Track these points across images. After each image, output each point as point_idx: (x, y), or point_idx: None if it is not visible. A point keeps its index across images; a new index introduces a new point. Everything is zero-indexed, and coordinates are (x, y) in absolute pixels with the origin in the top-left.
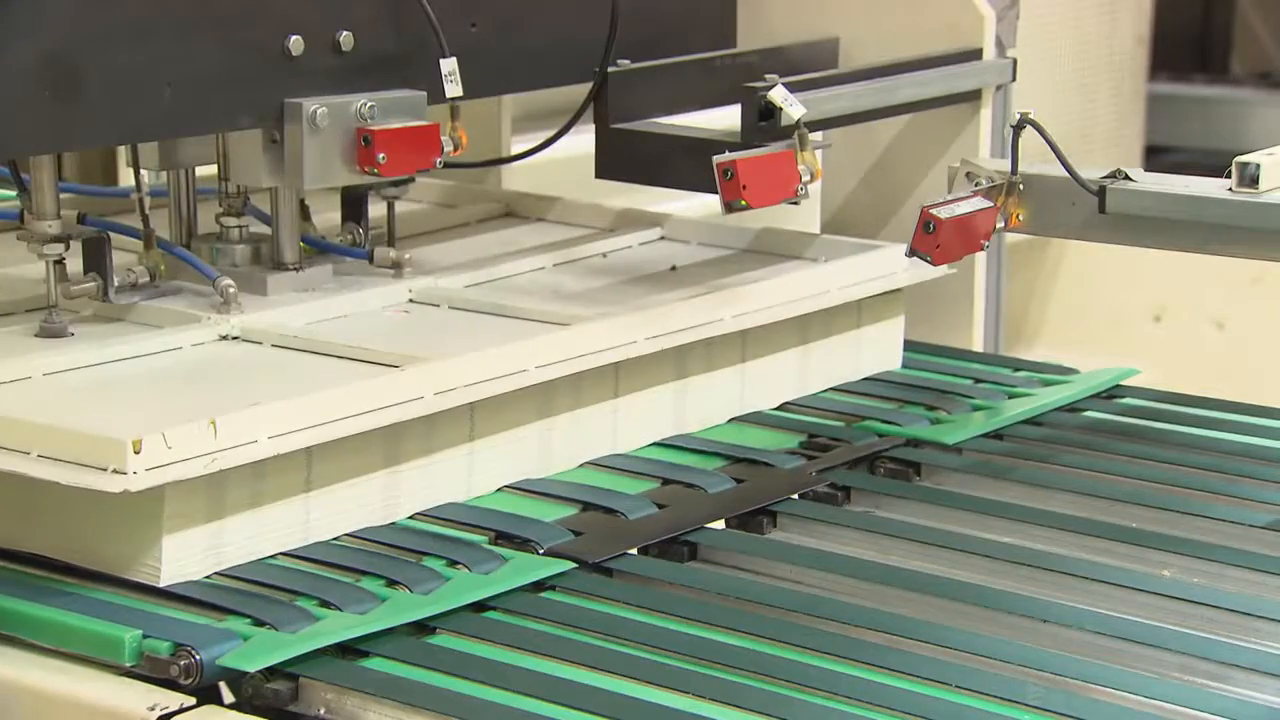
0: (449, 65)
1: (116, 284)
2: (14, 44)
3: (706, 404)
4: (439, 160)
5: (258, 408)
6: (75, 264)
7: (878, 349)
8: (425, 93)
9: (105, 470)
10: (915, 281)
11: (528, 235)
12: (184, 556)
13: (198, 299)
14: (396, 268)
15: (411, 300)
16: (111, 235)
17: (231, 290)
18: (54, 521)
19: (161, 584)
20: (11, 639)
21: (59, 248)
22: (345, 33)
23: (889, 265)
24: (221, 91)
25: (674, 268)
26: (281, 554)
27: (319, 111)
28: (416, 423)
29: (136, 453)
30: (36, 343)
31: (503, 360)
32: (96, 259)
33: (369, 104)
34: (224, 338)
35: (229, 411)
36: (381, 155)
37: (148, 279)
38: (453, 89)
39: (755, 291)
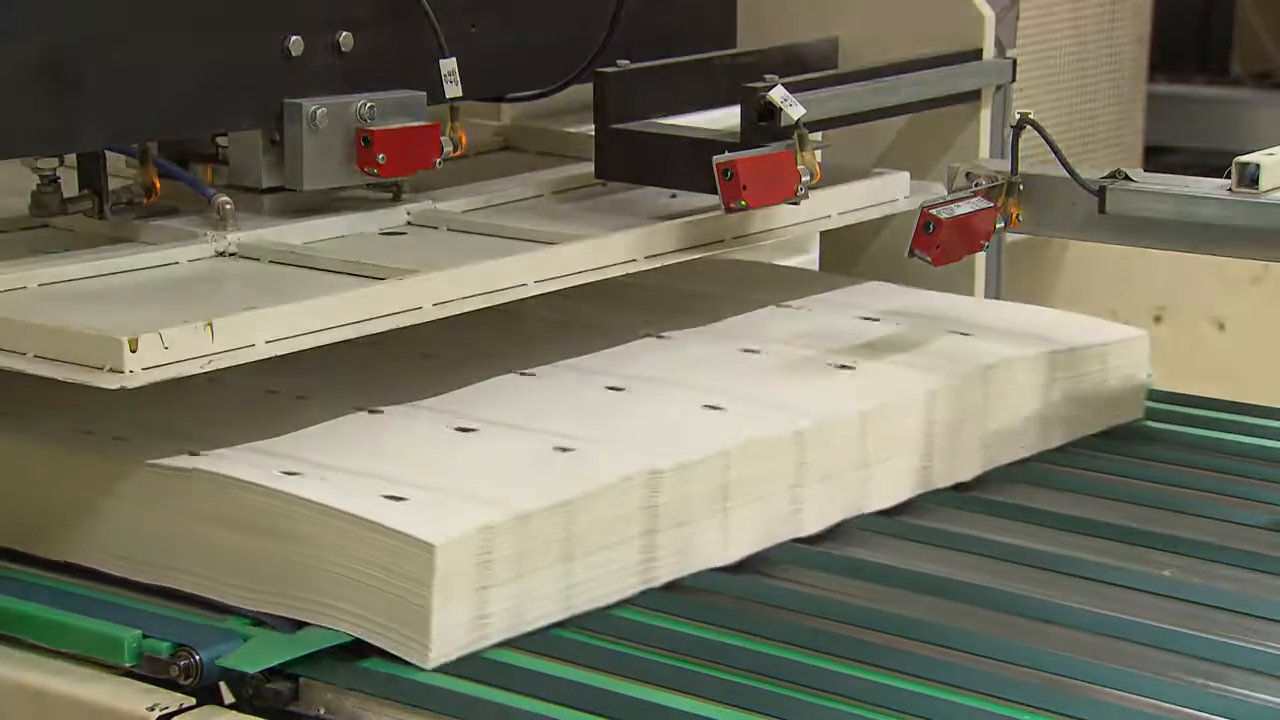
0: (449, 65)
1: (111, 202)
2: (14, 44)
3: None
4: (439, 161)
5: (254, 311)
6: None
7: None
8: (425, 93)
9: (102, 369)
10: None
11: (527, 165)
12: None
13: (194, 217)
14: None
15: (410, 223)
16: (107, 154)
17: (229, 207)
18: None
19: (429, 665)
20: (11, 639)
21: (53, 163)
22: (345, 33)
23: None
24: (221, 91)
25: (674, 195)
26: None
27: (319, 112)
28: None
29: (133, 351)
30: (31, 257)
31: (500, 273)
32: (91, 177)
33: (369, 104)
34: (221, 254)
35: (226, 315)
36: (381, 155)
37: (143, 197)
38: (453, 89)
39: (756, 214)
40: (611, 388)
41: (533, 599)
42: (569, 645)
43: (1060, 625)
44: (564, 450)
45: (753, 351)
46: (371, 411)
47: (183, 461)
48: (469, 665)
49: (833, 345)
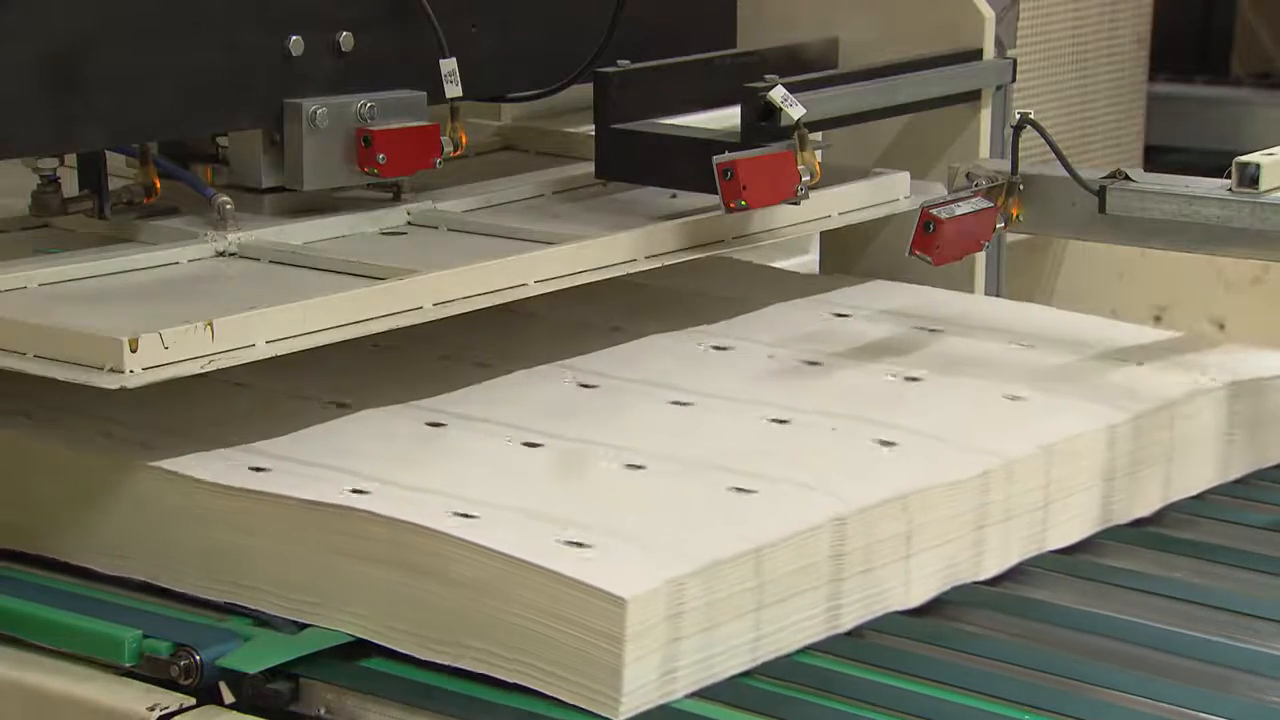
0: (449, 65)
1: (111, 202)
2: (14, 44)
3: None
4: (439, 161)
5: (254, 311)
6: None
7: None
8: (425, 93)
9: (102, 369)
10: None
11: (527, 165)
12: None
13: (194, 217)
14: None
15: (410, 222)
16: (107, 154)
17: (229, 207)
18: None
19: (620, 718)
20: (11, 639)
21: (53, 163)
22: (345, 33)
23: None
24: (221, 91)
25: (674, 195)
26: None
27: (319, 112)
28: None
29: (134, 351)
30: (32, 257)
31: (500, 273)
32: (91, 177)
33: (369, 104)
34: (221, 254)
35: (226, 315)
36: (381, 155)
37: (143, 197)
38: (453, 89)
39: (756, 214)
40: (777, 419)
41: (721, 650)
42: (756, 695)
43: (1250, 673)
44: (741, 491)
45: (915, 379)
46: (529, 445)
47: (344, 499)
48: (658, 715)
49: (995, 373)
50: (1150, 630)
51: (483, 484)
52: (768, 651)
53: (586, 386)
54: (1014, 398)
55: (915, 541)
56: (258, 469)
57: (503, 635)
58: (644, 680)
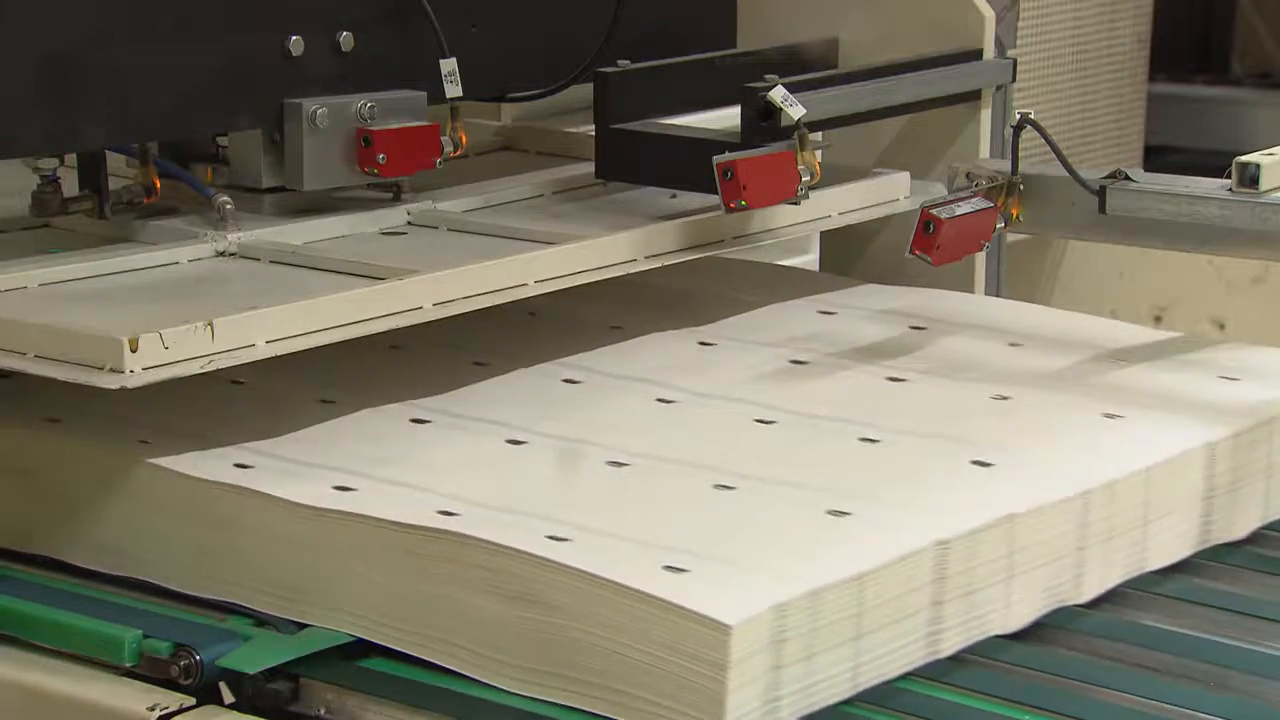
0: (449, 65)
1: (111, 202)
2: (14, 44)
3: None
4: (439, 161)
5: (255, 312)
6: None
7: None
8: (425, 93)
9: (102, 369)
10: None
11: (527, 165)
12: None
13: (194, 217)
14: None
15: (410, 222)
16: (107, 154)
17: (229, 207)
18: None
19: None
20: (11, 639)
21: (53, 163)
22: (345, 33)
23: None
24: (221, 91)
25: (674, 195)
26: None
27: (319, 112)
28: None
29: (134, 351)
30: (31, 257)
31: (500, 273)
32: (91, 177)
33: (369, 104)
34: (221, 254)
35: (226, 315)
36: (381, 155)
37: (143, 197)
38: (453, 89)
39: (756, 214)
40: (866, 439)
41: (823, 677)
42: None
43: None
44: (839, 514)
45: (1004, 398)
46: (617, 464)
47: (431, 520)
48: None
49: (1086, 390)
50: (1254, 655)
51: (576, 508)
52: (868, 679)
53: (664, 401)
54: (1111, 415)
55: (1017, 563)
56: (340, 486)
57: (595, 661)
58: (747, 708)
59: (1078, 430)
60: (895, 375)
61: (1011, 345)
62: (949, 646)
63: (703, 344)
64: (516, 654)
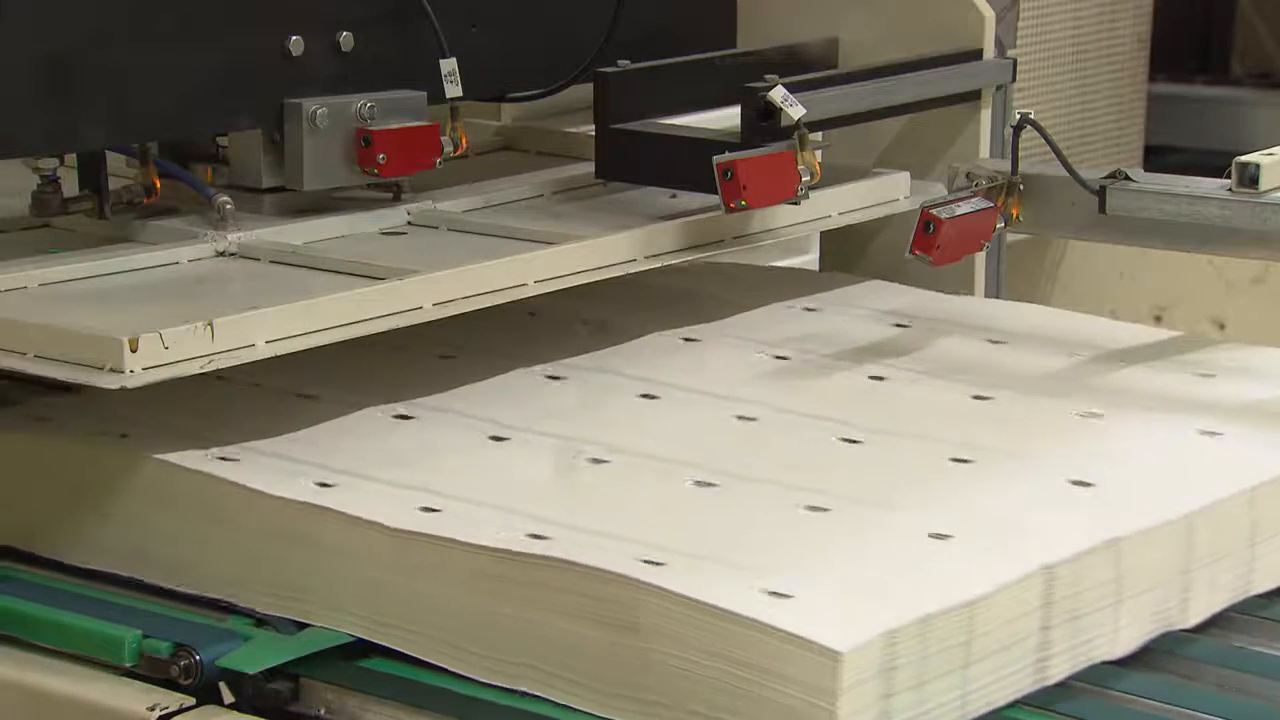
0: (449, 65)
1: (111, 202)
2: (14, 44)
3: None
4: (439, 161)
5: (255, 312)
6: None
7: None
8: (425, 93)
9: (102, 369)
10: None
11: (527, 165)
12: None
13: (194, 217)
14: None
15: (410, 222)
16: (107, 154)
17: (229, 207)
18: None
19: None
20: (12, 639)
21: (53, 163)
22: (345, 33)
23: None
24: (221, 91)
25: (674, 195)
26: None
27: (319, 112)
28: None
29: (134, 351)
30: (32, 257)
31: (500, 273)
32: (91, 177)
33: (369, 104)
34: (221, 254)
35: (226, 315)
36: (381, 155)
37: (143, 197)
38: (453, 89)
39: (756, 214)
40: (959, 459)
41: (934, 705)
42: None
43: None
44: (940, 537)
45: (1095, 415)
46: (701, 484)
47: (525, 545)
48: None
49: (1182, 407)
50: None
51: (656, 525)
52: (976, 707)
53: (744, 419)
54: (1210, 433)
55: (1124, 588)
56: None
57: (692, 687)
58: None
59: (1182, 450)
60: (980, 394)
61: (1095, 359)
62: (1056, 673)
63: (779, 358)
64: (598, 677)
